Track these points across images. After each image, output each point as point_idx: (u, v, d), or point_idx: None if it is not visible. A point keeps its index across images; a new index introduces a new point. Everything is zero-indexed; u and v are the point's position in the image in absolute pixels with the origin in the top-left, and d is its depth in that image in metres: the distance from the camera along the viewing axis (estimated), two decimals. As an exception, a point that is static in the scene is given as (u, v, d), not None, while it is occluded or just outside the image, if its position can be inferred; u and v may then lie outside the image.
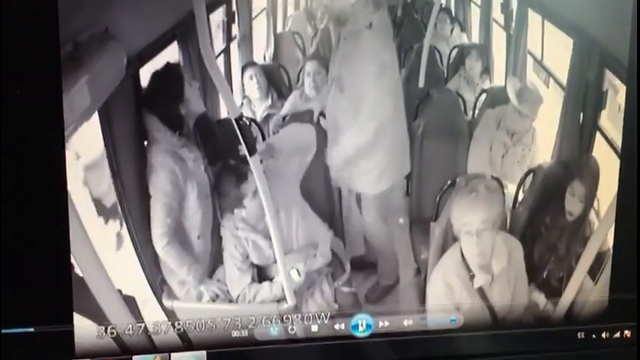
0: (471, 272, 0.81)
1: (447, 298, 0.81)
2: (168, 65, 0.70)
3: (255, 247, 0.78)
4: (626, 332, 0.83)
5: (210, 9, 0.69)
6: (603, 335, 0.83)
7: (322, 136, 0.79)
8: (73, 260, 0.67)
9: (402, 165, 0.82)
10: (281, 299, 0.77)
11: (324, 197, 0.83)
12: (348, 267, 0.81)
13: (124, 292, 0.72)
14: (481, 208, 0.79)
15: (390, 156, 0.81)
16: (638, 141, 0.78)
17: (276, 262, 0.77)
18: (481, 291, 0.81)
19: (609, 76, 0.79)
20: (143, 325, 0.73)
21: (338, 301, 0.80)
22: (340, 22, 0.74)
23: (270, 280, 0.79)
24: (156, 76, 0.70)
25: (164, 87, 0.71)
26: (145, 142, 0.73)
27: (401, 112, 0.78)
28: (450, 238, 0.81)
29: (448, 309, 0.81)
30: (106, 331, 0.71)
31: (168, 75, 0.71)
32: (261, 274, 0.79)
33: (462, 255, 0.81)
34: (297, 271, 0.78)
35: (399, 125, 0.79)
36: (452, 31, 0.81)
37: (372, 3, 0.74)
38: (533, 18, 0.78)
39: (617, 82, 0.78)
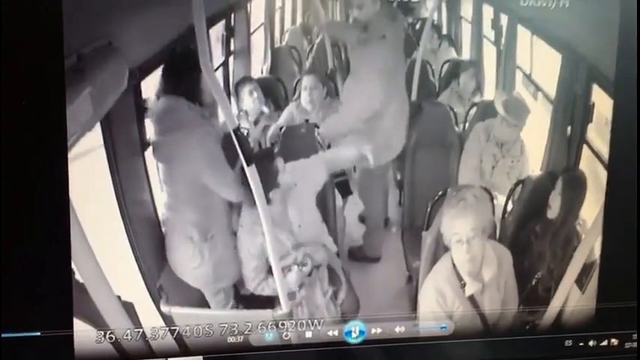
0: (462, 281, 0.82)
1: (438, 306, 0.82)
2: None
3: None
4: (613, 340, 0.84)
5: (210, 24, 0.71)
6: (590, 343, 0.84)
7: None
8: (73, 266, 0.68)
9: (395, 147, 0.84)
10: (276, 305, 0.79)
11: (329, 208, 0.85)
12: (343, 279, 0.83)
13: (123, 298, 0.73)
14: (470, 215, 0.81)
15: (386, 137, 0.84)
16: (625, 153, 0.80)
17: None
18: (472, 299, 0.83)
19: (596, 90, 0.80)
20: (141, 330, 0.74)
21: (331, 312, 0.82)
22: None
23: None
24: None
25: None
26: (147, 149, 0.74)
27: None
28: (441, 248, 0.83)
29: (439, 316, 0.82)
30: (105, 336, 0.72)
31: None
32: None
33: (453, 264, 0.82)
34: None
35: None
36: (440, 45, 0.83)
37: (389, 16, 0.77)
38: (523, 34, 0.80)
39: (604, 96, 0.80)
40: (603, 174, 0.81)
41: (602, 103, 0.81)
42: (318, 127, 0.80)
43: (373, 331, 0.80)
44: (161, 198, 0.76)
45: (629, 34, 0.78)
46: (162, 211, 0.77)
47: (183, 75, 0.72)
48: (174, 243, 0.78)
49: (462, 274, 0.82)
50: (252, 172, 0.74)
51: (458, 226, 0.81)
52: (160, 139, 0.74)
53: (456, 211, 0.81)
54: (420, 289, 0.83)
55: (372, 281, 0.85)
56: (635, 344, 0.85)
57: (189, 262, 0.79)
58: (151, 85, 0.71)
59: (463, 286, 0.82)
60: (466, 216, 0.81)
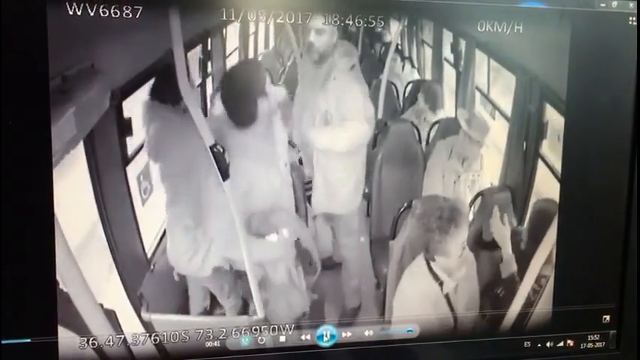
0: (439, 280, 0.86)
1: (410, 308, 0.86)
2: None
3: None
4: (569, 342, 0.89)
5: (188, 48, 0.73)
6: (548, 344, 0.89)
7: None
8: (58, 277, 0.71)
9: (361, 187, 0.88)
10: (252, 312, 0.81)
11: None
12: (318, 268, 0.85)
13: (105, 306, 0.75)
14: (455, 235, 0.85)
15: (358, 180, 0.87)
16: (576, 167, 0.85)
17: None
18: (447, 297, 0.87)
19: (549, 109, 0.84)
20: (122, 336, 0.76)
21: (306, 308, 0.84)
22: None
23: None
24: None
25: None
26: (129, 165, 0.76)
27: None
28: (408, 256, 0.86)
29: (405, 320, 0.85)
30: (87, 343, 0.74)
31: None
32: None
33: (429, 266, 0.86)
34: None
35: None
36: (403, 68, 0.86)
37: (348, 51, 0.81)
38: (480, 57, 0.84)
39: (556, 114, 0.84)
40: (556, 186, 0.86)
41: (555, 121, 0.85)
42: (290, 144, 0.83)
43: (344, 334, 0.83)
44: (160, 200, 0.78)
45: (579, 57, 0.83)
46: (163, 211, 0.78)
47: (164, 90, 0.75)
48: (175, 238, 0.79)
49: (438, 274, 0.86)
50: (227, 187, 0.77)
51: (448, 248, 0.85)
52: (149, 142, 0.76)
53: (440, 237, 0.85)
54: (387, 294, 0.86)
55: (344, 287, 0.89)
56: (590, 344, 0.91)
57: (184, 254, 0.80)
58: (132, 104, 0.74)
59: (441, 284, 0.86)
60: (455, 236, 0.85)
